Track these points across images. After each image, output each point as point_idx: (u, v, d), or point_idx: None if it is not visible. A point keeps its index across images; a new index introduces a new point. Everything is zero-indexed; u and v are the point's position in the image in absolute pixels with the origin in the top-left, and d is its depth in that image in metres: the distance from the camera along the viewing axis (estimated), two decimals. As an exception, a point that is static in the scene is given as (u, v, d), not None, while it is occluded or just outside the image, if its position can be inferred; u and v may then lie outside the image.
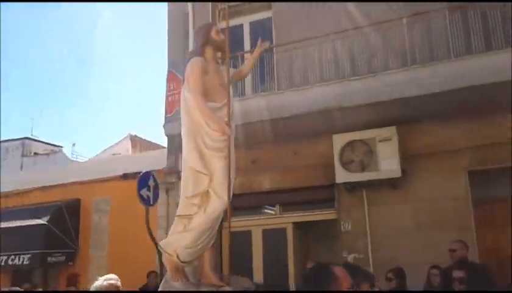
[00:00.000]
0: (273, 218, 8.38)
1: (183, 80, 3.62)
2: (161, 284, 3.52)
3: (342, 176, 7.23)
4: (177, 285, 3.36)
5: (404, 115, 6.78)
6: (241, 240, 7.73)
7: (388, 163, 6.95)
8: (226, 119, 3.45)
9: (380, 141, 6.99)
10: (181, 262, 3.48)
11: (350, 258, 7.32)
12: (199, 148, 3.45)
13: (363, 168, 7.11)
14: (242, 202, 8.38)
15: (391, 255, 6.94)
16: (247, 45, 8.75)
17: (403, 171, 7.00)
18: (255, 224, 8.36)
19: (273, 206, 8.42)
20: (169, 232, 3.58)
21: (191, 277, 3.54)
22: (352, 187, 7.43)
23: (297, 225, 8.23)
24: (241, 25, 8.92)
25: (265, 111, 7.19)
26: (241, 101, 7.40)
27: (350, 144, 7.23)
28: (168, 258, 3.52)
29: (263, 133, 7.53)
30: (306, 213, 8.08)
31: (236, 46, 8.76)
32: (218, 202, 3.40)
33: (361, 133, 7.16)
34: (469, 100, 6.41)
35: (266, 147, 7.94)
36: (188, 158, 3.47)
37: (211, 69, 3.56)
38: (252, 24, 8.84)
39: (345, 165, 7.21)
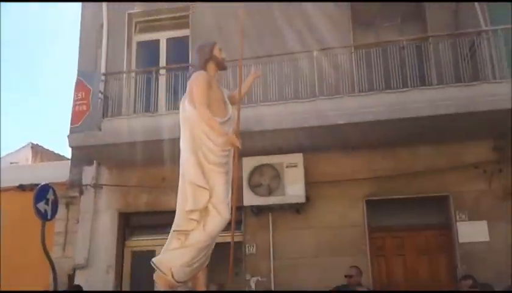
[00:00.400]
0: (178, 238, 8.26)
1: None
2: None
3: (249, 199, 7.33)
4: None
5: (310, 143, 7.08)
6: (145, 260, 7.52)
7: (294, 189, 7.18)
8: (232, 133, 3.49)
9: (287, 167, 7.22)
10: (177, 281, 3.33)
11: (253, 281, 7.40)
12: (200, 162, 3.40)
13: (270, 192, 7.27)
14: (149, 220, 8.21)
15: (292, 279, 7.13)
16: (162, 61, 8.68)
17: (308, 197, 7.27)
18: (160, 244, 8.18)
19: (180, 226, 8.30)
20: (164, 247, 3.44)
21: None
22: (259, 210, 7.55)
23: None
24: (158, 41, 8.85)
25: (176, 128, 7.14)
26: (152, 117, 7.31)
27: (259, 168, 7.38)
28: (161, 277, 3.35)
29: (173, 151, 7.44)
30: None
31: (152, 60, 8.67)
32: (219, 219, 3.34)
33: (270, 158, 7.33)
34: (370, 133, 6.86)
35: (176, 165, 7.85)
36: (189, 171, 3.39)
37: (214, 84, 3.60)
38: (168, 40, 8.80)
39: (254, 188, 7.34)
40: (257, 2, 7.74)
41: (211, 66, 3.71)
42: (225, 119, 3.54)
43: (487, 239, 6.99)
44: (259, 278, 7.40)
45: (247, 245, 7.59)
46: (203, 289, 3.49)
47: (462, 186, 7.16)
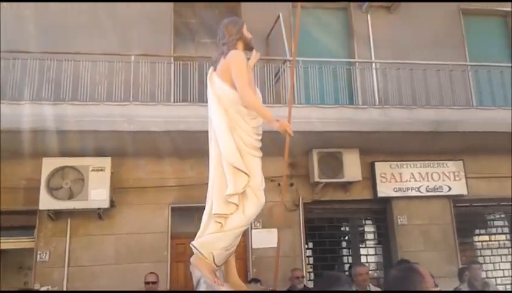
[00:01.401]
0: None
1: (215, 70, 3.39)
2: (201, 288, 3.04)
3: (46, 202, 6.77)
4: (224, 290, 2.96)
5: (120, 148, 6.89)
6: None
7: (98, 194, 6.89)
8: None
9: (93, 170, 6.89)
10: (216, 265, 3.16)
11: (43, 290, 6.84)
12: (238, 144, 3.23)
13: (71, 196, 6.84)
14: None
15: (87, 286, 6.81)
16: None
17: (112, 202, 7.05)
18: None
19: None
20: (200, 231, 3.25)
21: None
22: (57, 215, 7.03)
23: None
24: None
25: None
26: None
27: (61, 170, 6.88)
28: (202, 260, 3.15)
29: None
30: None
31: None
32: (258, 204, 3.24)
33: (74, 160, 6.92)
34: (181, 142, 7.00)
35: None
36: (229, 153, 3.22)
37: (248, 65, 3.40)
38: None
39: (53, 191, 6.80)
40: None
41: (240, 45, 3.52)
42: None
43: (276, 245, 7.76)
44: (50, 287, 6.88)
45: (38, 252, 6.97)
46: (235, 272, 3.33)
47: (260, 197, 7.81)
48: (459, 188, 8.46)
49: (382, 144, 7.92)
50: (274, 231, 7.82)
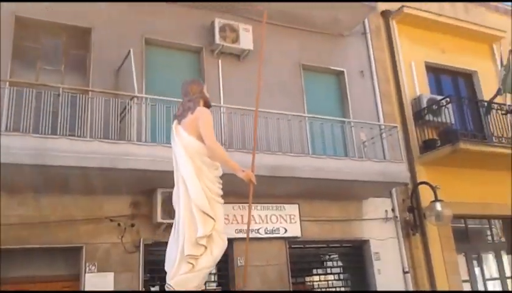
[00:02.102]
0: None
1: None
2: None
3: None
4: None
5: None
6: None
7: None
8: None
9: None
10: None
11: None
12: (205, 191, 3.65)
13: None
14: None
15: None
16: None
17: None
18: None
19: None
20: (173, 271, 3.59)
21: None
22: None
23: None
24: None
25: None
26: None
27: None
28: None
29: None
30: None
31: None
32: (223, 246, 3.69)
33: None
34: (11, 176, 6.35)
35: None
36: (197, 199, 3.61)
37: None
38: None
39: None
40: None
41: (201, 103, 4.04)
42: None
43: (112, 290, 7.33)
44: None
45: None
46: None
47: (97, 238, 7.38)
48: (294, 230, 9.01)
49: (225, 186, 8.10)
50: (110, 275, 7.43)
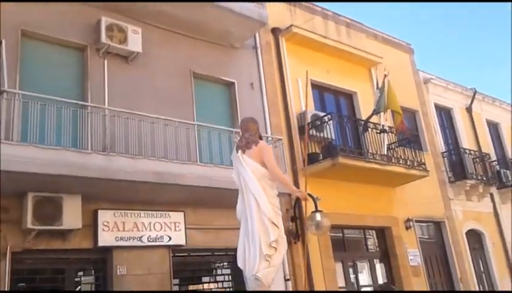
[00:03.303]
0: None
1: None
2: None
3: None
4: None
5: None
6: None
7: None
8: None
9: None
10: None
11: None
12: (271, 205, 4.82)
13: None
14: None
15: None
16: None
17: None
18: None
19: None
20: (256, 268, 4.59)
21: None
22: None
23: None
24: None
25: None
26: None
27: None
28: (264, 288, 4.61)
29: None
30: None
31: None
32: (285, 247, 4.93)
33: None
34: None
35: None
36: (268, 212, 4.75)
37: None
38: None
39: None
40: None
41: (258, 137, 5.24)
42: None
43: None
44: None
45: None
46: None
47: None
48: (178, 238, 8.90)
49: (107, 191, 7.81)
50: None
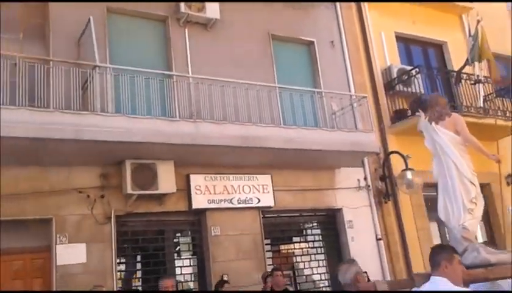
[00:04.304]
0: None
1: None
2: (472, 254, 4.88)
3: None
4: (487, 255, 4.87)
5: None
6: None
7: None
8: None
9: None
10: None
11: None
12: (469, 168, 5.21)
13: None
14: None
15: None
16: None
17: None
18: None
19: None
20: (462, 219, 5.07)
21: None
22: None
23: None
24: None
25: None
26: None
27: None
28: (469, 237, 5.04)
29: None
30: None
31: None
32: (483, 203, 5.29)
33: None
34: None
35: None
36: (466, 173, 5.15)
37: None
38: None
39: None
40: None
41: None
42: None
43: (84, 261, 7.35)
44: None
45: None
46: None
47: (65, 210, 7.36)
48: (267, 200, 9.10)
49: (196, 157, 8.13)
50: (82, 245, 7.43)
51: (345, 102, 9.95)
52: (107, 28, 8.29)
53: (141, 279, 8.13)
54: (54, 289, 7.03)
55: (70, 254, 7.27)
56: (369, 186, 10.38)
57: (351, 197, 10.11)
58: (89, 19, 7.61)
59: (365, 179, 10.41)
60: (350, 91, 10.53)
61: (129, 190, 7.59)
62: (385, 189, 10.39)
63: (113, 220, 7.69)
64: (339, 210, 9.99)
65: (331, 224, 10.13)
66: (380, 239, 10.16)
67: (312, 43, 10.62)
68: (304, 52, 10.67)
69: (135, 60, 8.12)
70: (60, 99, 6.72)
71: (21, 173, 7.07)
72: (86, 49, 7.60)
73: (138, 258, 8.45)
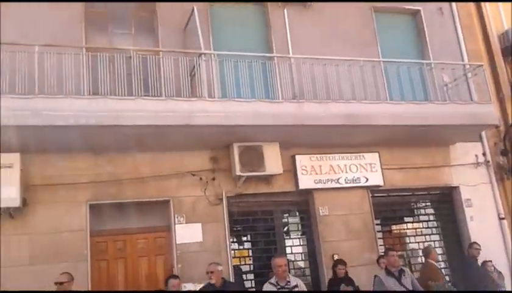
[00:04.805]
0: None
1: None
2: None
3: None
4: None
5: (31, 143, 6.67)
6: None
7: (8, 192, 6.62)
8: None
9: (2, 167, 6.63)
10: None
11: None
12: None
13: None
14: None
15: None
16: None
17: (24, 200, 6.82)
18: None
19: None
20: None
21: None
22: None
23: None
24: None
25: None
26: None
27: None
28: None
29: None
30: None
31: None
32: None
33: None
34: (94, 137, 6.92)
35: None
36: None
37: None
38: None
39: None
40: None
41: None
42: None
43: (201, 240, 7.78)
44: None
45: None
46: None
47: (182, 192, 7.83)
48: (375, 178, 8.84)
49: (301, 137, 8.15)
50: (198, 225, 7.86)
51: (458, 73, 9.27)
52: (209, 16, 8.58)
53: (252, 258, 8.40)
54: (175, 265, 7.52)
55: (188, 233, 7.73)
56: (488, 162, 9.65)
57: (468, 174, 9.50)
58: (193, 9, 7.93)
59: (483, 154, 9.69)
60: (463, 60, 9.79)
61: (238, 172, 7.84)
62: (507, 164, 9.57)
63: (224, 201, 8.02)
64: (456, 188, 9.42)
65: (446, 203, 9.60)
66: (502, 218, 9.44)
67: (418, 12, 10.03)
68: (409, 23, 10.11)
69: (237, 45, 8.32)
70: (171, 87, 7.13)
71: (141, 158, 7.65)
72: (191, 38, 7.95)
73: (249, 237, 8.72)
